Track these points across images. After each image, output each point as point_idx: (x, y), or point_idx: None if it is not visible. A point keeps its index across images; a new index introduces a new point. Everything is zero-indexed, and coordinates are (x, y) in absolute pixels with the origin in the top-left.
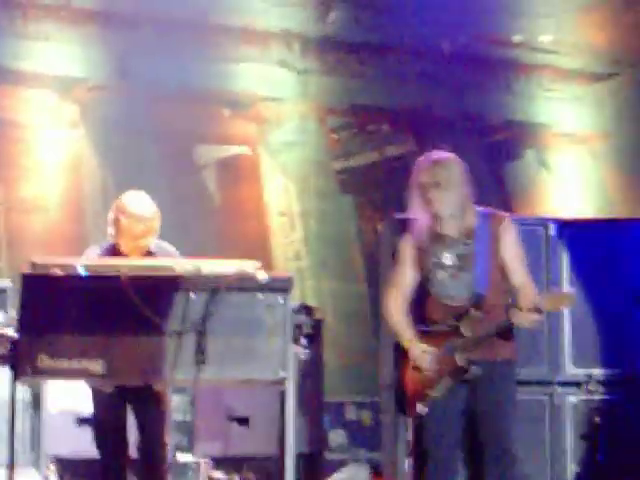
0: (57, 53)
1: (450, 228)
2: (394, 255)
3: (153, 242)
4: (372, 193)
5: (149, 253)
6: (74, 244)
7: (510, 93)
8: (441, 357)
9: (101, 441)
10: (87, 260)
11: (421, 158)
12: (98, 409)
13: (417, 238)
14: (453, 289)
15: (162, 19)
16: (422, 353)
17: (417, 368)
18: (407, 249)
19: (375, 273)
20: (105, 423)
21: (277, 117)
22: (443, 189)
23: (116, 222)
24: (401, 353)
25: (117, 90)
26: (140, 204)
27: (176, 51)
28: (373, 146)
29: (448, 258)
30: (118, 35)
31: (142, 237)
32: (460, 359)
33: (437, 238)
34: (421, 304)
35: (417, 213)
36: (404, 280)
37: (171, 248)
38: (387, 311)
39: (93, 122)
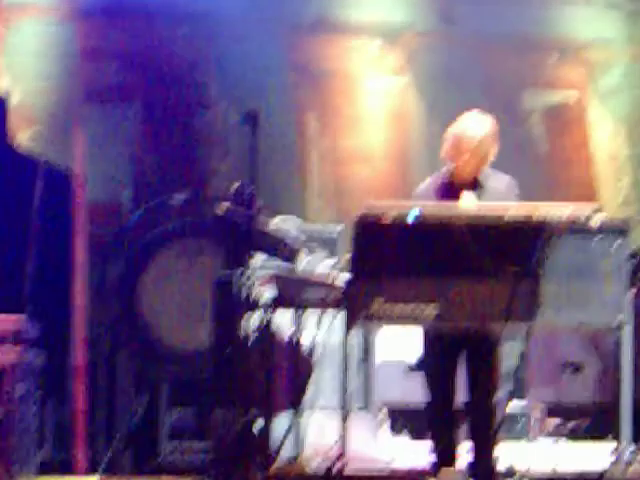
0: (382, 0)
1: None
2: None
3: (485, 168)
4: None
5: (479, 176)
6: (399, 194)
7: None
8: None
9: (432, 387)
10: (419, 203)
11: None
12: (429, 354)
13: None
14: None
15: None
16: None
17: None
18: None
19: None
20: (436, 369)
21: (605, 61)
22: None
23: (448, 138)
24: None
25: (443, 37)
26: (473, 122)
27: None
28: None
29: None
30: None
31: (469, 155)
32: None
33: None
34: None
35: None
36: None
37: (505, 178)
38: None
39: (419, 69)
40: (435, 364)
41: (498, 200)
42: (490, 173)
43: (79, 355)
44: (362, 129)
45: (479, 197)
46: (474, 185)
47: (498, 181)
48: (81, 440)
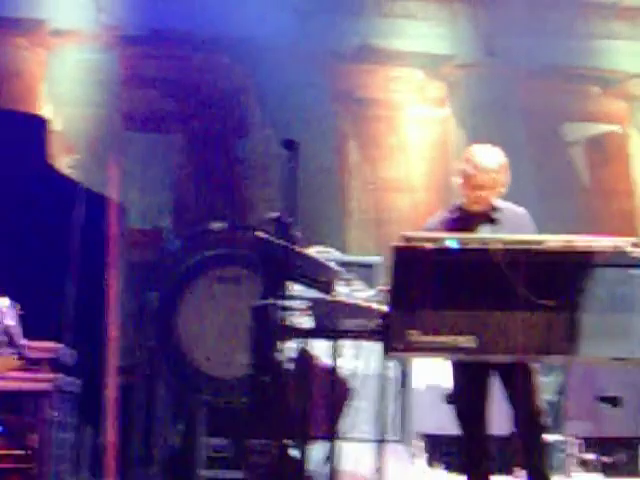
0: (424, 31)
1: None
2: None
3: (498, 199)
4: None
5: (492, 209)
6: None
7: None
8: None
9: (463, 417)
10: (456, 235)
11: None
12: (460, 384)
13: None
14: None
15: None
16: None
17: None
18: None
19: None
20: (468, 398)
21: None
22: None
23: (461, 171)
24: None
25: (484, 68)
26: (486, 155)
27: (544, 28)
28: None
29: None
30: (486, 12)
31: (484, 189)
32: None
33: None
34: None
35: None
36: None
37: (519, 210)
38: None
39: (460, 100)
40: (467, 396)
41: (516, 234)
42: (504, 206)
43: (112, 386)
44: (403, 159)
45: (495, 231)
46: (487, 219)
47: (513, 215)
48: (114, 469)
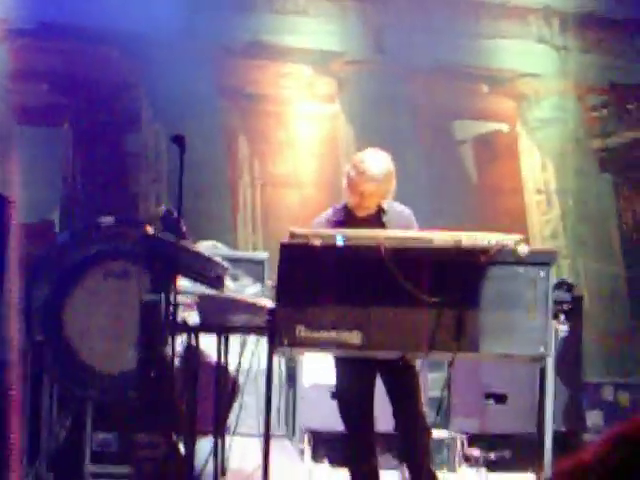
0: (315, 27)
1: None
2: None
3: (384, 203)
4: (631, 173)
5: (380, 211)
6: None
7: None
8: None
9: (347, 414)
10: (343, 231)
11: None
12: (344, 380)
13: None
14: None
15: None
16: None
17: None
18: None
19: (633, 254)
20: (352, 395)
21: (535, 94)
22: None
23: (347, 176)
24: None
25: (374, 65)
26: (374, 163)
27: (434, 26)
28: (633, 125)
29: None
30: (375, 10)
31: (369, 197)
32: None
33: None
34: None
35: None
36: None
37: (404, 210)
38: None
39: (349, 97)
40: (349, 392)
41: None
42: (388, 207)
43: (15, 383)
44: (292, 155)
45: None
46: (374, 221)
47: (398, 216)
48: (19, 465)
